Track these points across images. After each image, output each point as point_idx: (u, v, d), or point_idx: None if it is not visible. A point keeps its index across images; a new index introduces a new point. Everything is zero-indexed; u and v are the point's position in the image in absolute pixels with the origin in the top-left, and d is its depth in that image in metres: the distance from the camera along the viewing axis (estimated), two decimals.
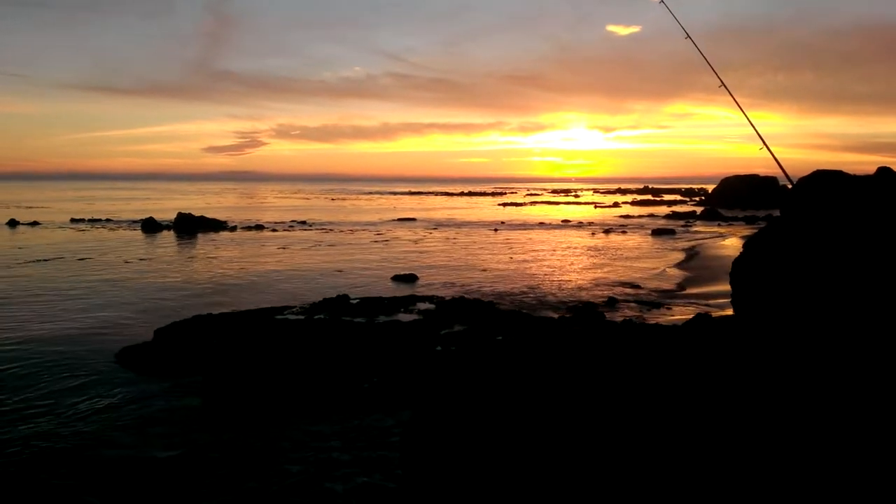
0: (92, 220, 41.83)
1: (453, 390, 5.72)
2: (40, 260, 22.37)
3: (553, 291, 16.78)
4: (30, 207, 57.14)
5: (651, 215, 52.33)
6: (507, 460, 4.87)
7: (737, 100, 7.30)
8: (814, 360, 4.58)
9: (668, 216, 49.96)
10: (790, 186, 6.05)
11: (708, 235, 33.95)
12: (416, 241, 30.67)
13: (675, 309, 14.37)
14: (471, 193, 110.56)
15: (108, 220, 42.06)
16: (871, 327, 4.53)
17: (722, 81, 7.46)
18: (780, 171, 6.85)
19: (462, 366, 6.43)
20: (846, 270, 4.77)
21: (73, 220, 41.65)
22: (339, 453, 6.63)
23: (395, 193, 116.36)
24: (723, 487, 4.09)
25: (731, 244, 28.81)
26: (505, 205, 72.34)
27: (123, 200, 77.26)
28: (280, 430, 7.29)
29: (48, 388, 8.66)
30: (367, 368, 9.13)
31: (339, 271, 20.37)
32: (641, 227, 39.52)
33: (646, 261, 23.31)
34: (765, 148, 6.76)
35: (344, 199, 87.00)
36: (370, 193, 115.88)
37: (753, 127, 6.99)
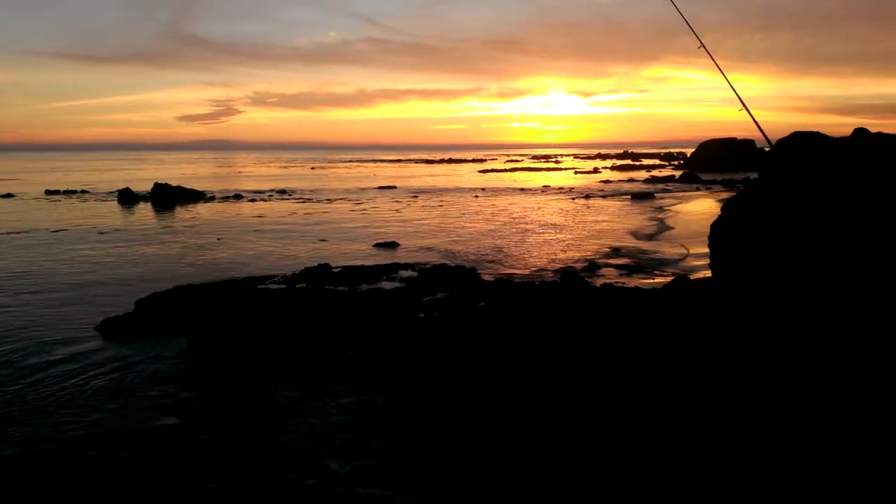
0: (67, 192, 41.15)
1: (436, 359, 5.78)
2: (13, 233, 22.04)
3: (534, 257, 16.88)
4: (2, 179, 56.07)
5: (630, 180, 52.52)
6: (491, 427, 4.94)
7: (717, 62, 7.30)
8: (791, 321, 4.67)
9: (647, 181, 50.19)
10: (768, 149, 6.10)
11: (687, 199, 34.19)
12: (396, 209, 30.58)
13: (655, 272, 14.52)
14: (451, 160, 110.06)
15: (83, 192, 41.40)
16: (847, 286, 4.62)
17: (702, 43, 7.45)
18: (757, 133, 6.89)
19: (445, 334, 6.48)
20: (823, 231, 4.84)
21: (47, 192, 40.93)
22: (327, 420, 6.69)
23: (374, 161, 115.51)
24: (698, 450, 4.19)
25: (709, 207, 29.05)
26: (485, 171, 72.14)
27: (98, 171, 76.01)
28: (266, 399, 7.32)
29: (28, 363, 8.55)
30: (351, 336, 9.17)
31: (321, 240, 20.30)
32: (621, 191, 39.67)
33: (625, 225, 23.46)
34: (744, 110, 6.79)
35: (323, 168, 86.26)
36: (350, 161, 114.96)
37: (733, 88, 7.01)
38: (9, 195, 38.38)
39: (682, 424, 4.32)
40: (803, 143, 5.38)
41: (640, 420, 4.45)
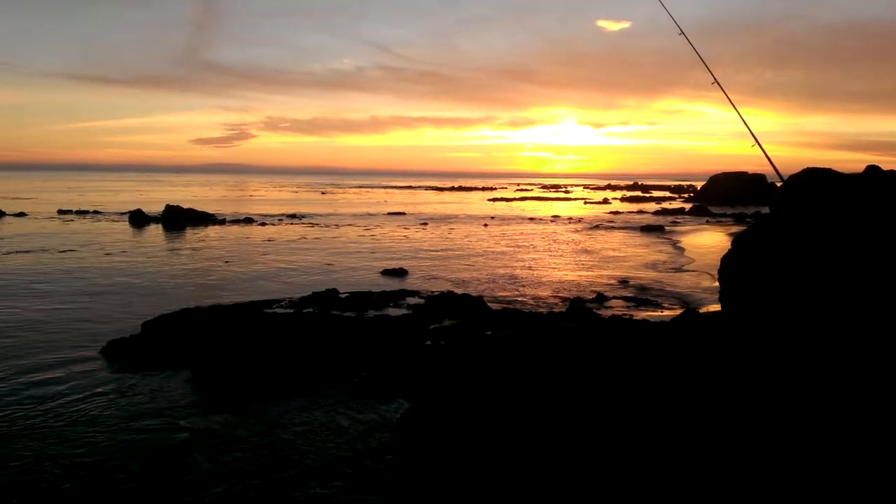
0: (79, 212, 41.46)
1: (445, 388, 5.71)
2: (24, 251, 22.17)
3: (542, 287, 16.80)
4: (16, 198, 56.59)
5: (640, 211, 52.47)
6: (498, 456, 4.86)
7: (730, 97, 7.30)
8: (802, 357, 4.59)
9: (657, 213, 50.09)
10: (779, 184, 6.06)
11: (696, 232, 34.08)
12: (406, 235, 30.62)
13: (664, 304, 14.41)
14: (461, 188, 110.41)
15: (95, 212, 41.69)
16: (858, 323, 4.54)
17: (715, 78, 7.45)
18: (768, 168, 6.86)
19: (454, 363, 6.41)
20: (835, 267, 4.78)
21: (60, 212, 41.26)
22: (334, 447, 6.61)
23: (385, 187, 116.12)
24: (709, 479, 4.10)
25: (719, 241, 28.94)
26: (495, 200, 72.33)
27: (111, 192, 76.68)
28: (272, 425, 7.25)
29: (32, 387, 8.48)
30: (357, 362, 9.11)
31: (329, 265, 20.31)
32: (631, 223, 39.61)
33: (634, 257, 23.38)
34: (756, 145, 6.76)
35: (334, 193, 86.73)
36: (360, 187, 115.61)
37: (746, 124, 7.00)
38: (21, 214, 38.69)
39: (685, 459, 4.23)
40: (816, 179, 5.35)
41: (644, 454, 4.37)
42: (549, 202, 70.17)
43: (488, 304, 13.55)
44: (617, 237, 31.07)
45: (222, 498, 5.60)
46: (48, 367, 9.21)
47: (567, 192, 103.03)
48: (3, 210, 39.04)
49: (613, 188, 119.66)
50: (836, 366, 4.43)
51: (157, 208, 38.16)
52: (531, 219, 43.52)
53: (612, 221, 41.14)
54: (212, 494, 5.65)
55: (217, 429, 7.11)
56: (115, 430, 7.04)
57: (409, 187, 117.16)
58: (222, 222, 36.00)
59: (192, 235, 29.40)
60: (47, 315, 12.53)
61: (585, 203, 67.69)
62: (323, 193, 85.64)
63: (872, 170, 5.32)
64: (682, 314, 6.63)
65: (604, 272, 19.44)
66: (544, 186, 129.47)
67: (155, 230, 31.86)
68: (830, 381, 4.36)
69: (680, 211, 50.96)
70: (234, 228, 33.13)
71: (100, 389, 8.33)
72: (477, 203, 65.73)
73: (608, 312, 13.12)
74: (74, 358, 9.63)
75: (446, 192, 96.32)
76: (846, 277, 4.71)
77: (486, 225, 37.95)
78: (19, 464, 6.20)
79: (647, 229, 34.63)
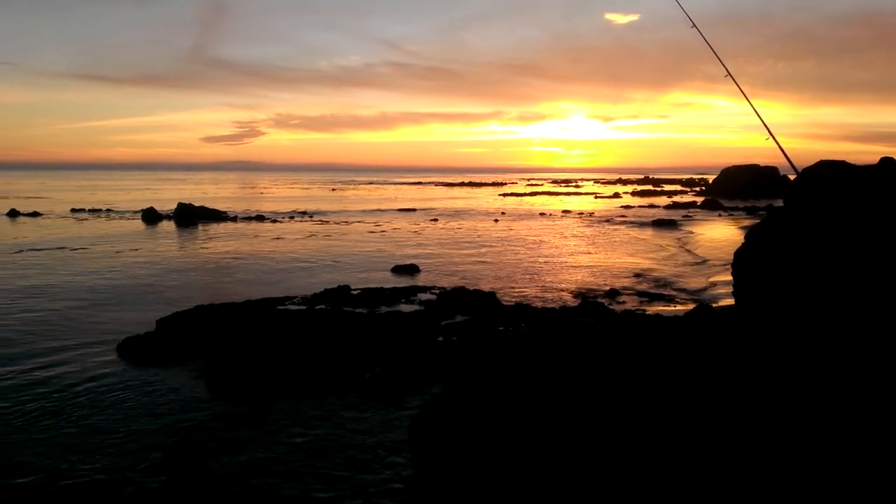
0: (93, 211, 41.78)
1: (463, 383, 5.72)
2: (40, 250, 22.37)
3: (554, 282, 16.79)
4: (29, 198, 57.08)
5: (652, 205, 52.20)
6: (515, 454, 4.88)
7: (742, 89, 7.24)
8: (816, 352, 4.57)
9: (668, 207, 49.83)
10: (793, 177, 6.02)
11: (709, 226, 33.92)
12: (416, 232, 30.65)
13: (677, 299, 14.37)
14: (471, 184, 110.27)
15: (108, 211, 42.01)
16: (873, 318, 4.52)
17: (728, 71, 7.39)
18: (780, 160, 6.80)
19: (470, 359, 6.42)
20: (850, 261, 4.76)
21: (73, 211, 41.60)
22: (349, 442, 6.65)
23: (395, 184, 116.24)
24: (722, 480, 4.10)
25: (732, 234, 28.80)
26: (505, 195, 72.21)
27: (123, 190, 77.19)
28: (287, 421, 7.29)
29: (49, 384, 8.56)
30: (370, 359, 9.14)
31: (340, 262, 20.37)
32: (642, 217, 39.45)
33: (646, 251, 23.30)
34: (770, 138, 6.71)
35: (344, 190, 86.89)
36: (370, 183, 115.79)
37: (760, 118, 6.94)
38: (35, 213, 39.00)
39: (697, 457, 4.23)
40: (830, 172, 5.31)
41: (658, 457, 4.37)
42: (560, 197, 69.97)
43: (500, 299, 13.56)
44: (628, 232, 30.96)
45: (243, 492, 5.65)
46: (65, 365, 9.29)
47: (577, 186, 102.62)
48: (18, 209, 39.37)
49: (624, 182, 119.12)
50: (851, 362, 4.41)
51: (168, 206, 38.43)
52: (542, 214, 43.41)
53: (623, 216, 40.98)
54: (233, 489, 5.71)
55: (233, 425, 7.17)
56: (135, 426, 7.11)
57: (419, 183, 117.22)
58: (234, 219, 36.18)
59: (205, 233, 29.56)
60: (63, 313, 12.65)
61: (596, 197, 67.41)
62: (333, 190, 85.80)
63: (887, 162, 5.28)
64: (694, 309, 6.61)
65: (615, 267, 19.39)
66: (555, 181, 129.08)
67: (167, 227, 32.06)
68: (844, 378, 4.35)
69: (692, 204, 50.69)
70: (246, 225, 33.28)
71: (118, 387, 8.40)
72: (487, 198, 65.66)
73: (621, 307, 13.10)
74: (91, 356, 9.71)
75: (456, 188, 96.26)
76: (862, 271, 4.69)
77: (496, 220, 37.90)
78: (40, 457, 6.27)
79: (658, 223, 34.46)
